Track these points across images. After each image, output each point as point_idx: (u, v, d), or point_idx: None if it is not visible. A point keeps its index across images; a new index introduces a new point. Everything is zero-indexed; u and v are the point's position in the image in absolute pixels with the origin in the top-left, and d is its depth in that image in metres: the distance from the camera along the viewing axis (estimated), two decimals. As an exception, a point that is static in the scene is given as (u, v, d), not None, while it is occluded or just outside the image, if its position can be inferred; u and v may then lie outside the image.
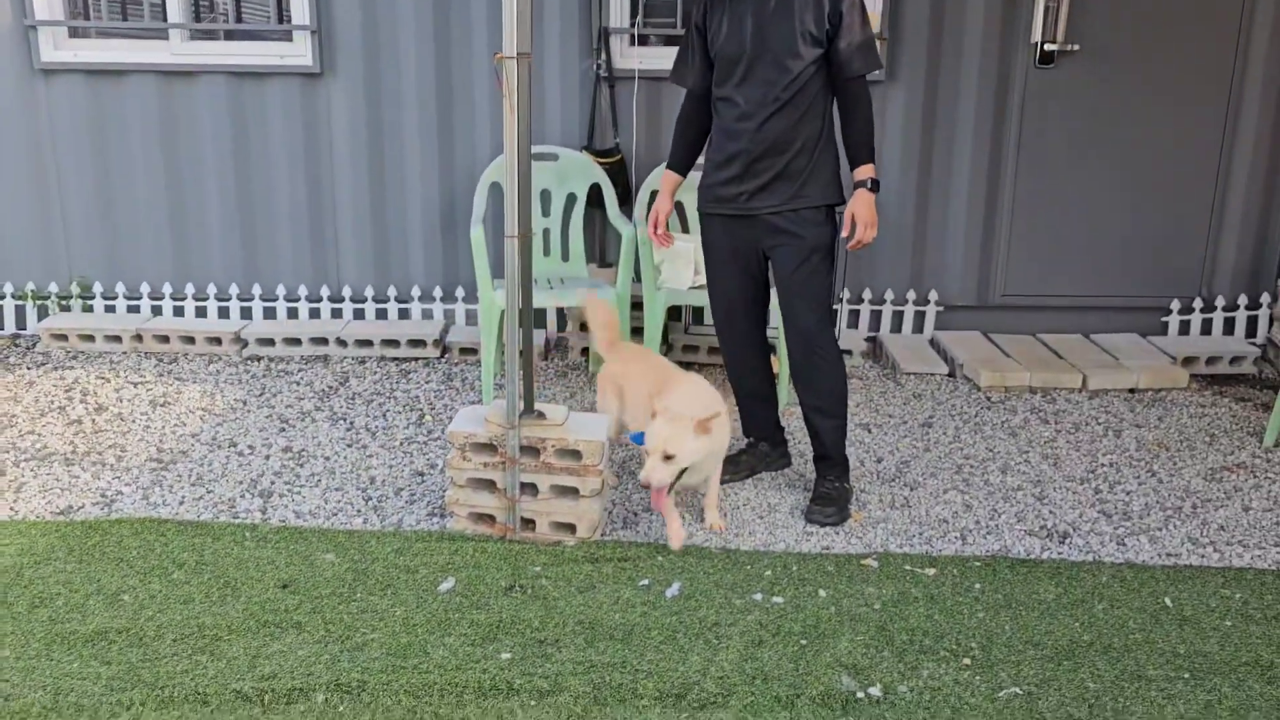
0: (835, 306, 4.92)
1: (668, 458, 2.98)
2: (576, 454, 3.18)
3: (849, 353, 4.99)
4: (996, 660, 2.67)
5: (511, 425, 3.17)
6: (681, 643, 2.71)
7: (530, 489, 3.25)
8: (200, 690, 2.46)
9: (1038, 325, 5.32)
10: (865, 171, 3.35)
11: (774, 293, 3.59)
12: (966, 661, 2.66)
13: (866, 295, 5.29)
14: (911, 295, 5.29)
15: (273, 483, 3.65)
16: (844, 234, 3.36)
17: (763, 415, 3.78)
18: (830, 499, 3.48)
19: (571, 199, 4.79)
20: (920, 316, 5.33)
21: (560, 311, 5.23)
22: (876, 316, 5.34)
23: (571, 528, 3.24)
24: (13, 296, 5.23)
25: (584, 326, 5.00)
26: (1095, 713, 2.46)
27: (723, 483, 3.69)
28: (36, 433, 4.06)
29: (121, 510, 3.43)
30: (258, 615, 2.80)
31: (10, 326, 5.24)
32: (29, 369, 4.76)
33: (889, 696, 2.50)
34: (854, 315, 5.32)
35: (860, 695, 2.50)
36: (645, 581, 3.01)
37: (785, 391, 4.22)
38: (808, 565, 3.14)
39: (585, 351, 5.03)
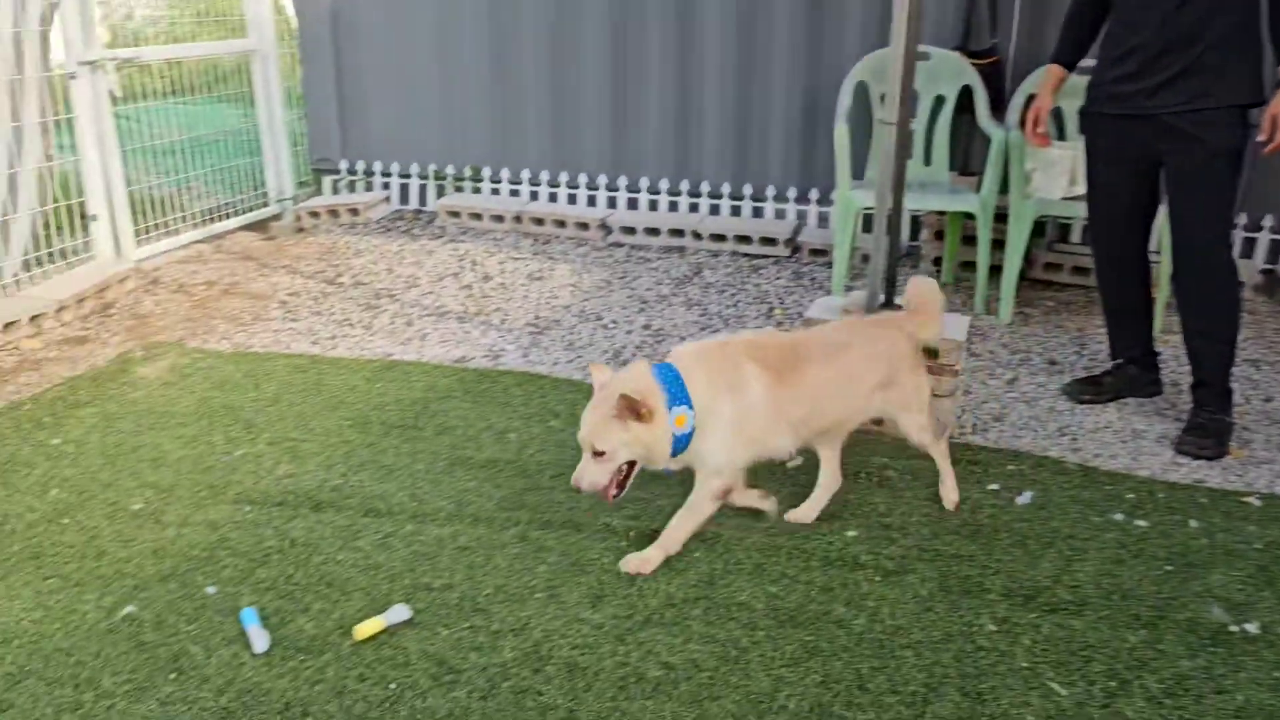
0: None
1: (598, 454, 2.37)
2: (933, 352, 3.15)
3: (1240, 284, 4.50)
4: (1404, 620, 2.38)
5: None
6: (1032, 549, 2.65)
7: (882, 383, 3.26)
8: (574, 520, 2.75)
9: None
10: (1299, 69, 2.98)
11: (1162, 208, 3.31)
12: (1365, 615, 2.40)
13: (1267, 222, 4.73)
14: (1326, 225, 4.67)
15: (634, 354, 3.93)
16: (1262, 136, 3.02)
17: (1135, 334, 3.53)
18: (1206, 430, 3.21)
19: (939, 101, 4.63)
20: (1333, 251, 4.69)
21: (915, 220, 5.11)
22: (1277, 246, 4.76)
23: (920, 426, 3.23)
24: (418, 177, 5.90)
25: (939, 235, 4.87)
26: None
27: (1081, 402, 3.51)
28: (435, 293, 4.61)
29: (505, 364, 3.85)
30: (622, 466, 3.06)
31: (414, 202, 5.94)
32: (429, 240, 5.38)
33: (1267, 635, 2.32)
34: (1248, 244, 4.78)
35: (1234, 629, 2.34)
36: (994, 486, 2.95)
37: (1161, 315, 3.91)
38: (1176, 495, 2.94)
39: (938, 262, 4.90)
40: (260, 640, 2.28)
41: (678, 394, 2.38)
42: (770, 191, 5.34)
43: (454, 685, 2.16)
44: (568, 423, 3.34)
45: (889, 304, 3.22)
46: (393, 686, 2.16)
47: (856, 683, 2.17)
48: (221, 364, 3.84)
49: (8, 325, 4.13)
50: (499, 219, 5.50)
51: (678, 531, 2.57)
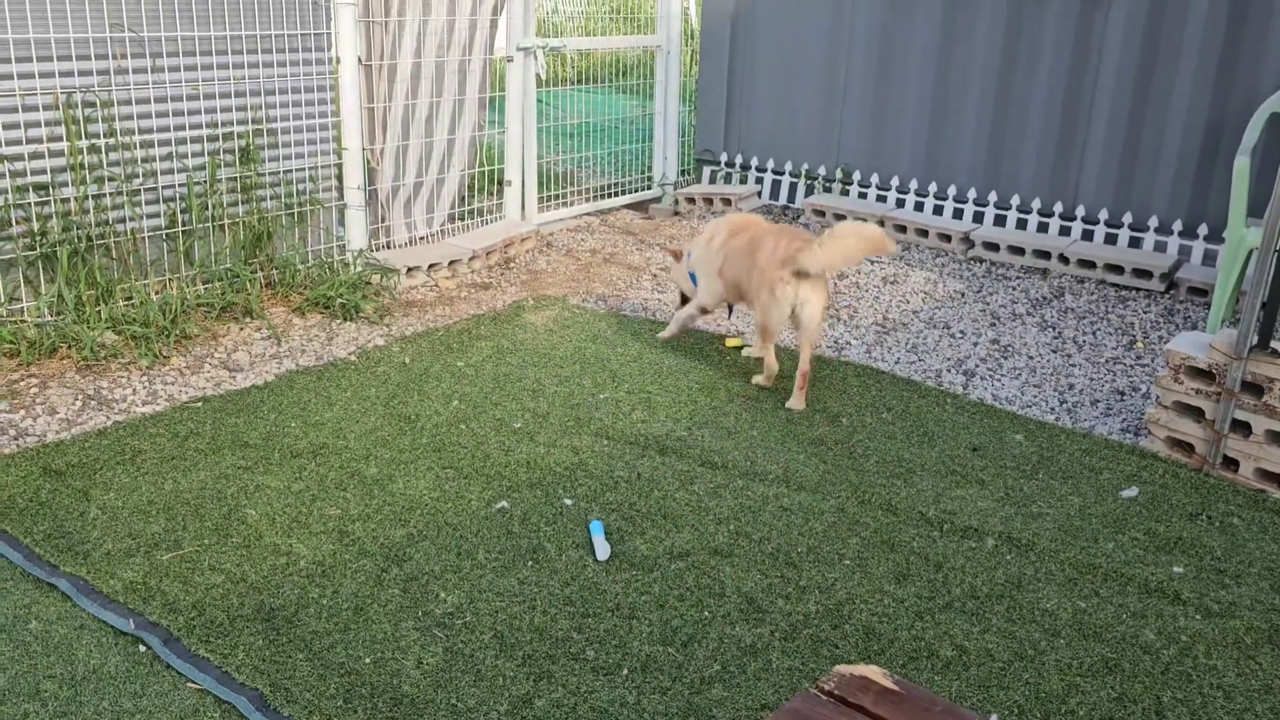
0: None
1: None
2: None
3: None
4: None
5: (1239, 356, 3.03)
6: (1391, 625, 2.44)
7: (1242, 428, 3.09)
8: (893, 504, 2.89)
9: None
10: None
11: None
12: None
13: None
14: None
15: (976, 366, 3.96)
16: None
17: None
18: None
19: (1370, 142, 4.19)
20: None
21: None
22: None
23: (1280, 480, 3.03)
24: (790, 175, 6.19)
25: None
26: None
27: None
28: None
29: (849, 356, 4.03)
30: (947, 464, 3.15)
31: (783, 198, 6.24)
32: (791, 235, 5.65)
33: None
34: None
35: None
36: (1360, 555, 2.73)
37: None
38: None
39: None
40: (602, 549, 2.65)
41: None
42: (1153, 222, 5.07)
43: (760, 622, 2.40)
44: (899, 418, 3.46)
45: (1263, 345, 3.04)
46: (706, 612, 2.43)
47: (1155, 708, 2.15)
48: (596, 321, 4.34)
49: (431, 266, 4.90)
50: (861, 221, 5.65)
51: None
